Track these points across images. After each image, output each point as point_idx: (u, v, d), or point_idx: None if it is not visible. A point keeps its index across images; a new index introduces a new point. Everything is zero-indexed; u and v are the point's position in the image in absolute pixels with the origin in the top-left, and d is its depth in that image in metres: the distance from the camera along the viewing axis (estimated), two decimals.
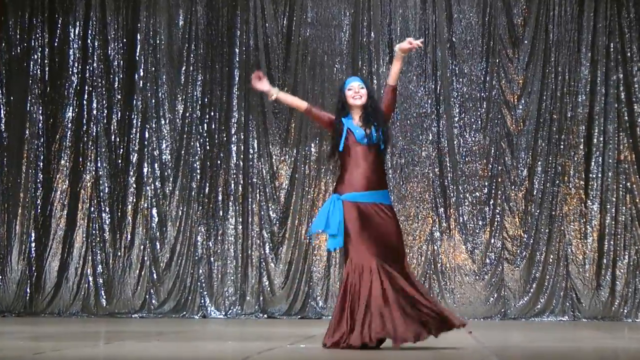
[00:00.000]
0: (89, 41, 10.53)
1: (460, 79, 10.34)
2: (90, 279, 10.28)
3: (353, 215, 5.36)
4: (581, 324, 9.53)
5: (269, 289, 10.23)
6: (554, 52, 10.25)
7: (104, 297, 10.25)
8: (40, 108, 10.47)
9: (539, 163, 10.21)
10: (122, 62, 10.54)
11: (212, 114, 10.48)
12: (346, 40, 10.41)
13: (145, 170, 10.46)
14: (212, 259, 10.30)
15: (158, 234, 10.36)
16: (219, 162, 10.43)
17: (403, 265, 5.44)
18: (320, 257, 10.17)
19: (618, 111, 10.15)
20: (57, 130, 10.47)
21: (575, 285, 10.01)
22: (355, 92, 5.60)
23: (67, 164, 10.47)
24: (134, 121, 10.50)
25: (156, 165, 10.45)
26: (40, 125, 10.46)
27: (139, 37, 10.56)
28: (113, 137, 10.48)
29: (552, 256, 10.06)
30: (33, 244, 10.32)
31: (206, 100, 10.47)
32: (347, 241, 5.36)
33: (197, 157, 10.43)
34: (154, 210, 10.39)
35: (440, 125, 10.33)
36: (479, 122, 10.33)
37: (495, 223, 10.18)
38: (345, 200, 5.39)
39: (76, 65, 10.54)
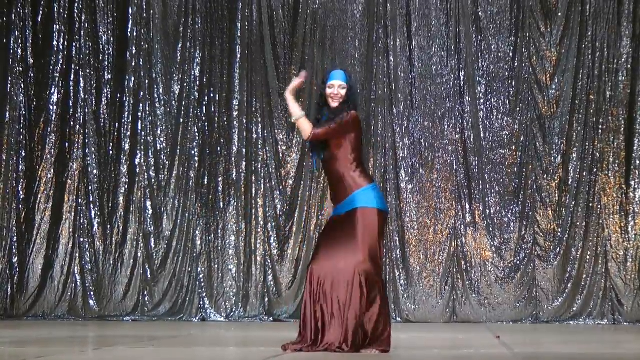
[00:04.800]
0: (75, 15, 10.50)
1: (487, 56, 10.28)
2: (78, 278, 10.29)
3: (327, 222, 5.81)
4: (622, 328, 9.48)
5: (274, 289, 10.21)
6: (591, 26, 10.17)
7: (93, 298, 10.25)
8: (22, 90, 10.46)
9: (575, 149, 10.14)
10: (112, 38, 10.52)
11: (212, 95, 10.45)
12: (359, 12, 10.35)
13: (138, 158, 10.44)
14: (212, 255, 10.28)
15: (152, 228, 10.35)
16: (219, 148, 10.40)
17: (359, 261, 5.55)
18: None
19: None
20: (40, 114, 10.45)
21: (616, 284, 9.96)
22: (335, 94, 5.70)
23: (52, 151, 10.46)
24: (126, 104, 10.48)
25: (150, 152, 10.43)
26: (22, 108, 10.44)
27: (130, 11, 10.53)
28: (102, 121, 10.46)
29: (589, 253, 10.00)
30: (15, 240, 10.32)
31: (205, 80, 10.44)
32: None
33: (195, 144, 10.41)
34: (148, 203, 10.38)
35: (464, 108, 10.27)
36: (507, 104, 10.27)
37: (526, 216, 10.12)
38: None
39: (61, 42, 10.52)
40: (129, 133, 10.45)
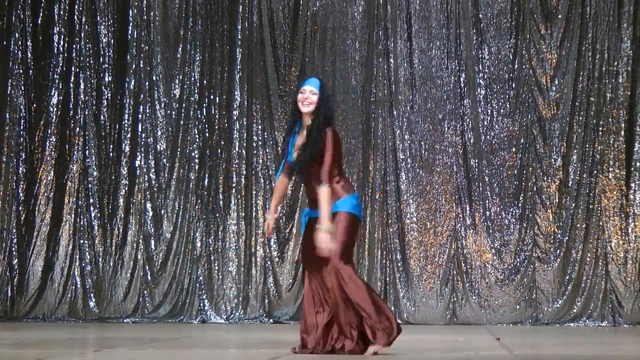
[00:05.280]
0: (75, 17, 10.51)
1: (487, 58, 10.28)
2: (78, 280, 10.29)
3: (306, 228, 5.84)
4: (622, 330, 9.48)
5: (274, 291, 10.22)
6: (591, 28, 10.18)
7: (93, 300, 10.25)
8: (22, 92, 10.47)
9: (575, 151, 10.15)
10: (112, 40, 10.53)
11: (212, 97, 10.45)
12: (360, 14, 10.36)
13: (138, 160, 10.45)
14: (212, 257, 10.29)
15: (152, 230, 10.35)
16: (219, 150, 10.40)
17: (332, 265, 5.61)
18: None
19: None
20: (40, 116, 10.46)
21: (616, 286, 9.96)
22: (305, 97, 5.73)
23: (52, 153, 10.47)
24: (126, 106, 10.49)
25: (150, 154, 10.44)
26: (22, 110, 10.45)
27: (131, 13, 10.54)
28: (103, 123, 10.47)
29: (589, 255, 10.01)
30: (15, 242, 10.32)
31: (205, 82, 10.45)
32: None
33: (195, 146, 10.41)
34: (148, 205, 10.39)
35: (464, 110, 10.28)
36: (508, 106, 10.27)
37: (526, 218, 10.12)
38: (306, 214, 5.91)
39: (62, 44, 10.53)
40: (129, 135, 10.45)
